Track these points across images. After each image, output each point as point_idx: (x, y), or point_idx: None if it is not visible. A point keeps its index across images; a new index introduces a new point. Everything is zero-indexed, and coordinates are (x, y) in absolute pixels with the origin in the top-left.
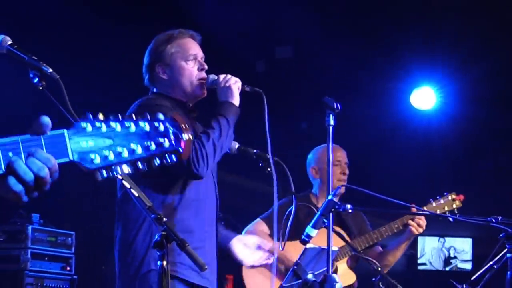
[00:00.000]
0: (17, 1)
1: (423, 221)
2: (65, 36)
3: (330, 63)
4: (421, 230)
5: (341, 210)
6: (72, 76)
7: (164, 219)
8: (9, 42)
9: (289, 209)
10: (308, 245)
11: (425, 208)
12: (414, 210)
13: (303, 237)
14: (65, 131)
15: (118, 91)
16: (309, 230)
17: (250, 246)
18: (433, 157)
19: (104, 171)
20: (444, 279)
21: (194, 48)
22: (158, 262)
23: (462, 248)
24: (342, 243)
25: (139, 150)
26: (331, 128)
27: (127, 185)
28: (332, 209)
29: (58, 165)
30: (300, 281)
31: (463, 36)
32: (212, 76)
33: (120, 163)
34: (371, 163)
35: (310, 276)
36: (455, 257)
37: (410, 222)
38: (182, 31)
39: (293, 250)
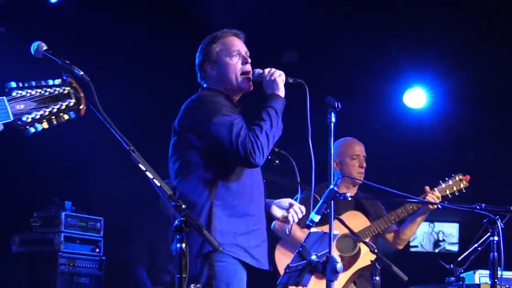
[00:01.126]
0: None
1: (437, 196)
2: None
3: (330, 66)
4: (438, 200)
5: (341, 198)
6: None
7: (183, 206)
8: (44, 48)
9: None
10: (312, 230)
11: (435, 190)
12: (428, 189)
13: (307, 222)
14: (5, 98)
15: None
16: (313, 216)
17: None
18: (423, 151)
19: (32, 128)
20: (434, 260)
21: (237, 45)
22: (178, 245)
23: (450, 232)
24: (361, 228)
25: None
26: (332, 125)
27: (150, 176)
28: (333, 198)
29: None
30: (305, 261)
31: (451, 42)
32: (258, 70)
33: (42, 120)
34: (368, 156)
35: (313, 257)
36: (443, 240)
37: (429, 196)
38: (225, 31)
39: None
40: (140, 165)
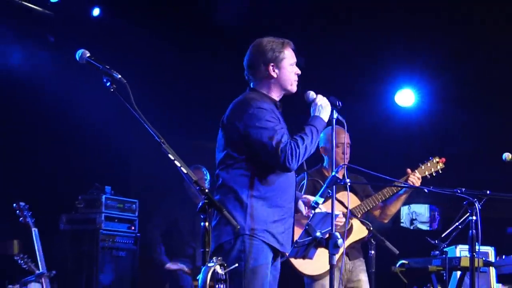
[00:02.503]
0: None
1: (418, 177)
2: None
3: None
4: (419, 182)
5: (342, 183)
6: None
7: (206, 190)
8: (88, 55)
9: (302, 183)
10: (317, 210)
11: (416, 171)
12: (409, 171)
13: (312, 204)
14: None
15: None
16: (317, 198)
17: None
18: (412, 144)
19: None
20: (410, 235)
21: (294, 56)
22: (202, 223)
23: (421, 212)
24: (352, 206)
25: None
26: (334, 120)
27: (178, 164)
28: (335, 183)
29: None
30: (310, 237)
31: (437, 48)
32: (312, 95)
33: None
34: (363, 149)
35: (318, 234)
36: (415, 219)
37: (411, 177)
38: (288, 41)
39: None
40: (170, 155)
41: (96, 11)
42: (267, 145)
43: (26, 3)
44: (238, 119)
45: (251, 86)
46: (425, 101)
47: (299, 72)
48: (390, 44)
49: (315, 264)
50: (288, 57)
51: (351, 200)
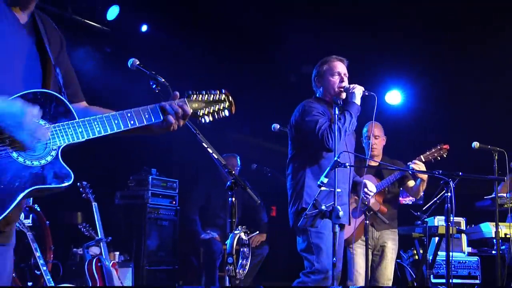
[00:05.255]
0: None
1: (420, 165)
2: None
3: None
4: (419, 166)
5: (342, 167)
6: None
7: (233, 171)
8: (137, 63)
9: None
10: (322, 188)
11: (422, 156)
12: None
13: (318, 182)
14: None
15: None
16: (322, 178)
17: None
18: (399, 136)
19: (203, 119)
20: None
21: (339, 67)
22: (229, 199)
23: None
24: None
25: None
26: (336, 116)
27: (210, 151)
28: (336, 166)
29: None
30: (317, 210)
31: (421, 53)
32: (345, 85)
33: (208, 114)
34: (358, 142)
35: (323, 207)
36: None
37: (419, 176)
38: (333, 56)
39: None
40: (204, 144)
41: (144, 28)
42: (313, 132)
43: (87, 21)
44: (295, 116)
45: (316, 95)
46: (410, 100)
47: (344, 79)
48: (380, 51)
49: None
50: (329, 69)
51: (370, 182)
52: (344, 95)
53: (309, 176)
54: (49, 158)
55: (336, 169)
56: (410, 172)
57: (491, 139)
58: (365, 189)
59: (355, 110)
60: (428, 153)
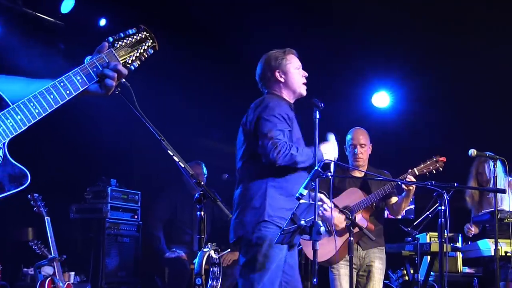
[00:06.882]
0: None
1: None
2: None
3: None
4: (411, 188)
5: (324, 177)
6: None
7: (202, 182)
8: None
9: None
10: (301, 201)
11: (415, 169)
12: (410, 176)
13: (297, 195)
14: (112, 49)
15: None
16: (301, 190)
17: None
18: (387, 143)
19: (132, 66)
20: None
21: (298, 61)
22: (198, 213)
23: None
24: (355, 202)
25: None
26: (317, 120)
27: (176, 159)
28: (318, 177)
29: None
30: (296, 225)
31: (409, 55)
32: (331, 136)
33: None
34: (342, 147)
35: (302, 222)
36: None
37: (404, 187)
38: (289, 49)
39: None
40: (169, 151)
41: (102, 22)
42: (266, 136)
43: (39, 14)
44: (253, 113)
45: (266, 91)
46: (399, 102)
47: (306, 74)
48: (367, 51)
49: (321, 251)
50: (292, 62)
51: (356, 196)
52: (305, 93)
53: (270, 185)
54: None
55: (291, 173)
56: (400, 184)
57: (490, 146)
58: (324, 205)
59: (312, 160)
60: (422, 165)
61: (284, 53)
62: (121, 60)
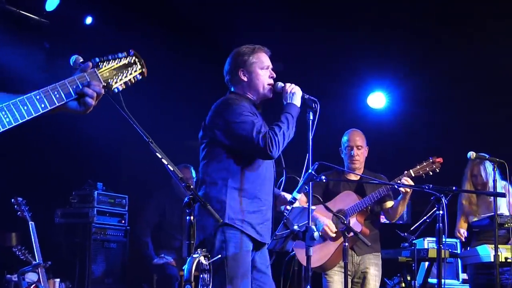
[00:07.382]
0: None
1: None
2: None
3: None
4: (408, 191)
5: (318, 180)
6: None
7: (191, 186)
8: (81, 60)
9: (281, 180)
10: (295, 205)
11: (411, 171)
12: (406, 178)
13: (290, 199)
14: (95, 69)
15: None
16: (295, 194)
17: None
18: (383, 144)
19: (116, 89)
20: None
21: (267, 61)
22: (187, 217)
23: None
24: (350, 205)
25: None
26: (310, 121)
27: (165, 162)
28: (311, 180)
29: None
30: (288, 230)
31: (405, 55)
32: (280, 84)
33: (121, 83)
34: (337, 149)
35: (295, 227)
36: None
37: (401, 189)
38: (259, 47)
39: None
40: (157, 154)
41: (88, 20)
42: (249, 137)
43: (24, 12)
44: (218, 116)
45: (231, 90)
46: (395, 103)
47: (273, 75)
48: (363, 51)
49: (314, 257)
50: (258, 61)
51: (351, 199)
52: (270, 94)
53: (231, 187)
54: None
55: (254, 174)
56: (396, 187)
57: (487, 147)
58: (288, 206)
59: (296, 113)
60: (418, 167)
61: (253, 50)
62: (104, 80)
